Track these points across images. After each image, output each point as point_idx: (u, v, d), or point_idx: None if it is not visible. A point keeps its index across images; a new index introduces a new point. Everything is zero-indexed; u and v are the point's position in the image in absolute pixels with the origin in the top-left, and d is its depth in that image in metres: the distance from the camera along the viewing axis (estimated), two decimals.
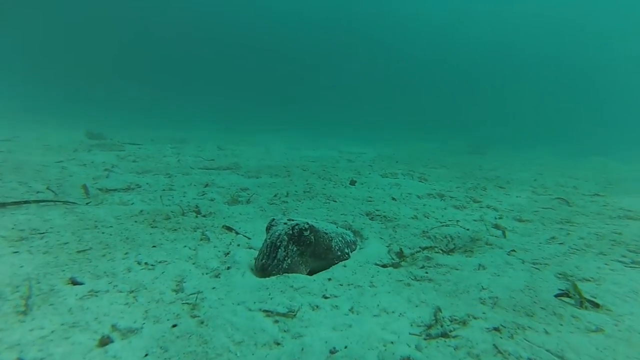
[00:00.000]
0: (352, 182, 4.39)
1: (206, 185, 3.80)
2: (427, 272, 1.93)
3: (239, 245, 2.26)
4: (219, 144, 9.08)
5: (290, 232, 1.85)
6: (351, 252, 2.16)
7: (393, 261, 2.06)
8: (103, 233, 2.15)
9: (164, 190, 3.45)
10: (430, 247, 2.24)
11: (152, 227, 2.33)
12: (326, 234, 1.99)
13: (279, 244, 1.84)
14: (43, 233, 2.12)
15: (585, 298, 1.60)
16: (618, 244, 2.53)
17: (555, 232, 2.81)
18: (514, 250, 2.21)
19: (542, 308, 1.51)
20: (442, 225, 2.63)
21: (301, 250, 1.85)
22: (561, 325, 1.39)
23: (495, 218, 3.14)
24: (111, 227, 2.26)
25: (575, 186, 5.60)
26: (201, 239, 2.23)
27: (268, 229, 1.98)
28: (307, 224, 1.88)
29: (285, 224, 1.92)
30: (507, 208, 3.53)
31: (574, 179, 6.55)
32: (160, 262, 1.86)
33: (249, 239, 2.37)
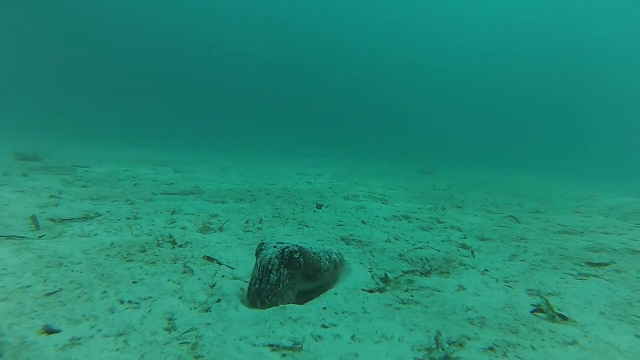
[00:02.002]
0: (319, 206, 4.45)
1: (173, 212, 3.62)
2: (412, 295, 2.02)
3: (223, 276, 2.18)
4: (174, 166, 8.71)
5: (281, 255, 1.87)
6: (338, 272, 2.22)
7: (379, 286, 2.13)
8: (72, 271, 1.95)
9: (128, 218, 3.23)
10: (411, 271, 2.34)
11: (128, 260, 2.16)
12: (314, 254, 2.04)
13: (270, 267, 1.84)
14: None
15: (555, 312, 1.78)
16: (565, 258, 2.85)
17: (514, 249, 3.09)
18: (487, 270, 2.39)
19: (523, 325, 1.65)
20: (416, 248, 2.77)
21: (291, 273, 1.88)
22: (543, 340, 1.53)
23: (461, 238, 3.37)
24: (80, 263, 2.06)
25: (519, 203, 6.16)
26: (184, 272, 2.12)
27: (257, 253, 1.97)
28: (297, 246, 1.92)
29: (274, 247, 1.93)
30: (469, 228, 3.80)
31: (516, 197, 7.22)
32: (144, 298, 1.74)
33: (233, 269, 2.30)
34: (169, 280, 1.97)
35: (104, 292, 1.76)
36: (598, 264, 2.66)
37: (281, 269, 1.84)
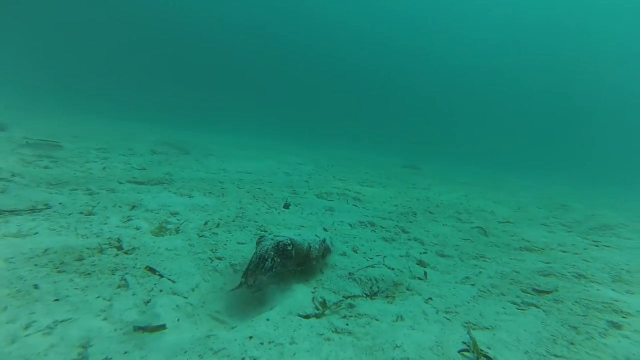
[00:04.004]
0: (286, 206, 4.40)
1: (133, 208, 3.53)
2: (347, 324, 2.01)
3: (161, 290, 2.14)
4: (154, 147, 8.51)
5: (276, 247, 2.26)
6: (325, 256, 2.66)
7: (316, 311, 2.11)
8: None
9: (81, 213, 3.13)
10: (353, 296, 2.33)
11: (58, 272, 2.08)
12: (305, 245, 2.41)
13: (266, 256, 2.21)
14: None
15: (481, 353, 1.79)
16: (515, 282, 2.87)
17: (470, 269, 3.10)
18: (430, 299, 2.39)
19: None
20: (368, 267, 2.75)
21: (284, 262, 2.27)
22: None
23: (420, 253, 3.37)
24: None
25: (492, 211, 6.20)
26: (119, 286, 2.06)
27: (258, 242, 2.35)
28: (290, 239, 2.32)
29: (272, 239, 2.32)
30: (432, 241, 3.80)
31: (492, 202, 7.27)
32: (62, 321, 1.68)
33: (174, 282, 2.25)
34: (98, 296, 1.90)
35: (14, 314, 1.68)
36: (542, 292, 2.69)
37: (275, 258, 2.22)
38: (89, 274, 2.12)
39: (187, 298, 2.15)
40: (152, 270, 2.33)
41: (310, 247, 2.43)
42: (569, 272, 3.13)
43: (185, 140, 11.38)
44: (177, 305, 2.05)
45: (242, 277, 2.14)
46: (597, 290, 2.74)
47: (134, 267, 2.31)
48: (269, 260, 2.19)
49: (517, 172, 18.95)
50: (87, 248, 2.40)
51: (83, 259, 2.26)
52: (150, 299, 2.02)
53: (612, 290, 2.79)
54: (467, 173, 14.80)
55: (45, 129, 8.61)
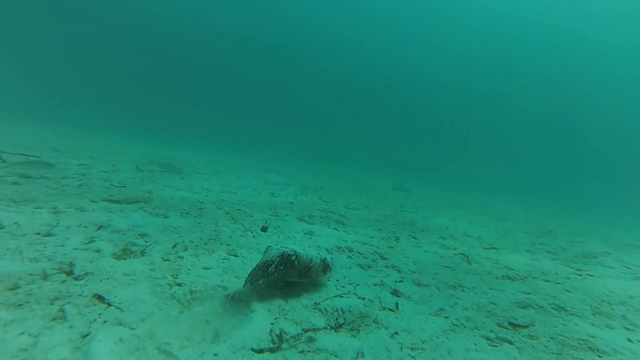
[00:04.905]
0: (264, 229, 4.27)
1: (99, 228, 3.38)
2: None
3: (105, 321, 1.98)
4: (139, 163, 8.37)
5: (281, 256, 2.48)
6: (325, 272, 2.79)
7: (272, 345, 1.96)
8: None
9: (37, 234, 2.98)
10: (316, 328, 2.18)
11: None
12: (308, 257, 2.60)
13: (271, 262, 2.44)
14: None
15: None
16: (491, 315, 2.73)
17: (446, 300, 2.96)
18: (396, 333, 2.25)
19: None
20: (336, 296, 2.61)
21: (286, 270, 2.48)
22: None
23: (396, 282, 3.23)
24: None
25: (479, 236, 6.11)
26: (54, 318, 1.90)
27: (265, 251, 2.58)
28: (294, 250, 2.53)
29: (278, 249, 2.53)
30: (411, 268, 3.67)
31: (480, 226, 7.18)
32: None
33: (122, 311, 2.10)
34: (22, 333, 1.74)
35: None
36: (518, 325, 2.56)
37: (279, 266, 2.44)
38: (19, 305, 1.95)
39: (134, 329, 1.99)
40: (100, 298, 2.17)
41: (312, 261, 2.62)
42: (548, 304, 3.01)
43: (174, 157, 11.28)
44: (119, 339, 1.89)
45: (247, 278, 2.40)
46: (575, 324, 2.61)
47: (80, 295, 2.16)
48: (273, 266, 2.42)
49: (510, 195, 19.00)
50: (29, 274, 2.23)
51: (18, 287, 2.09)
52: (89, 332, 1.86)
53: (592, 324, 2.67)
54: (458, 196, 14.76)
55: (25, 139, 8.47)
